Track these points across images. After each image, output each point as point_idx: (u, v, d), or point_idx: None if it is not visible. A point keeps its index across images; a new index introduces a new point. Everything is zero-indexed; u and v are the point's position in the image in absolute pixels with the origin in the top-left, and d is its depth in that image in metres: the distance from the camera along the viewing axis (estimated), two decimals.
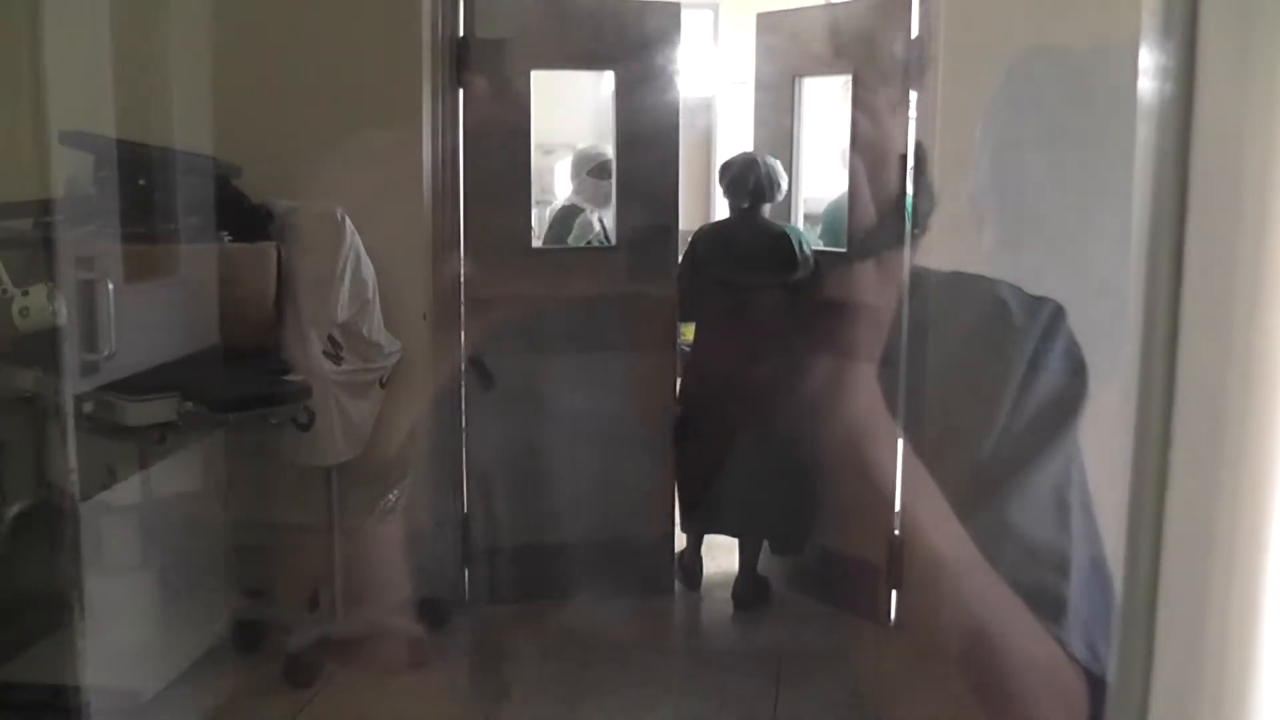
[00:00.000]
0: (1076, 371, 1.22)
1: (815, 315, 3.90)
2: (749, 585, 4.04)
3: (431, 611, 3.68)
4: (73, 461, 2.58)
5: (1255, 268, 0.46)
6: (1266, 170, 0.46)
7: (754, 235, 3.90)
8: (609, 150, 4.19)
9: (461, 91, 3.77)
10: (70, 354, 2.55)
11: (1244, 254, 0.47)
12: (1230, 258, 0.47)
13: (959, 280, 1.52)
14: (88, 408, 2.72)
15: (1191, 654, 0.50)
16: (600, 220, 4.42)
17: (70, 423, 2.58)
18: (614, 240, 4.05)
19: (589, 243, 4.34)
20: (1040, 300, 1.27)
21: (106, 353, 2.62)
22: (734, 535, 4.11)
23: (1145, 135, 0.50)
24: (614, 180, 4.06)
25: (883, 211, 4.06)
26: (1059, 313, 1.25)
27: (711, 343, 3.96)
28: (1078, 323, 1.25)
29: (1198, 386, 0.49)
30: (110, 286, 2.62)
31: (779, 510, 3.93)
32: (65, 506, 2.56)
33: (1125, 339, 0.53)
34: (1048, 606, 1.13)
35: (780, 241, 3.87)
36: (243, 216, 3.35)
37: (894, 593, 3.85)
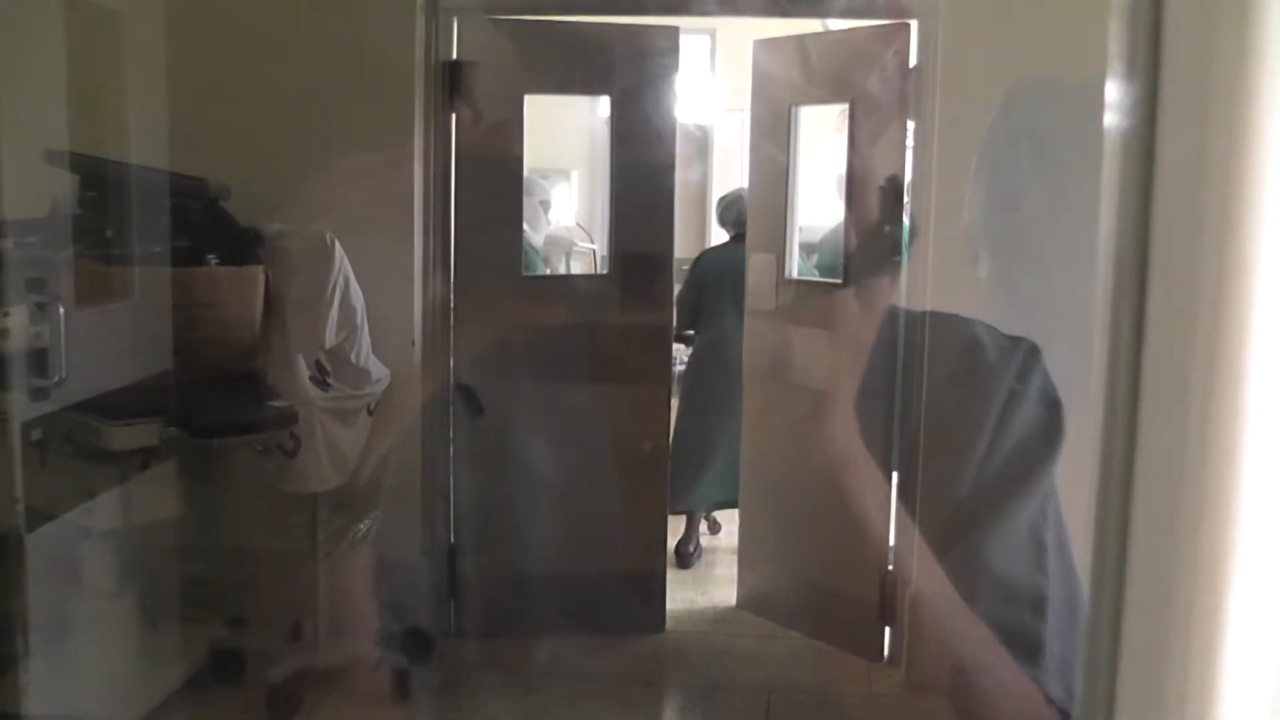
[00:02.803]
0: (1052, 411, 1.22)
1: (800, 344, 3.93)
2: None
3: (416, 643, 3.65)
4: (19, 492, 2.55)
5: (1217, 300, 0.48)
6: (1227, 203, 0.47)
7: (740, 258, 4.48)
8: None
9: (454, 116, 3.77)
10: (21, 379, 2.54)
11: (1206, 286, 0.48)
12: (1193, 289, 0.49)
13: (934, 320, 1.53)
14: (38, 433, 2.69)
15: (1154, 694, 0.51)
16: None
17: (18, 453, 2.55)
18: (607, 268, 4.04)
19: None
20: (1015, 340, 1.28)
21: (56, 378, 2.60)
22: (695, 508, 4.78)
23: (1110, 169, 0.52)
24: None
25: (878, 242, 4.10)
26: (1034, 352, 1.25)
27: (709, 347, 4.65)
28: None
29: (1161, 420, 0.50)
30: (61, 311, 2.60)
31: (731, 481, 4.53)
32: (10, 537, 2.53)
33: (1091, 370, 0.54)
34: (1024, 646, 1.13)
35: None
36: (231, 239, 3.34)
37: (887, 629, 3.82)
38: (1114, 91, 0.51)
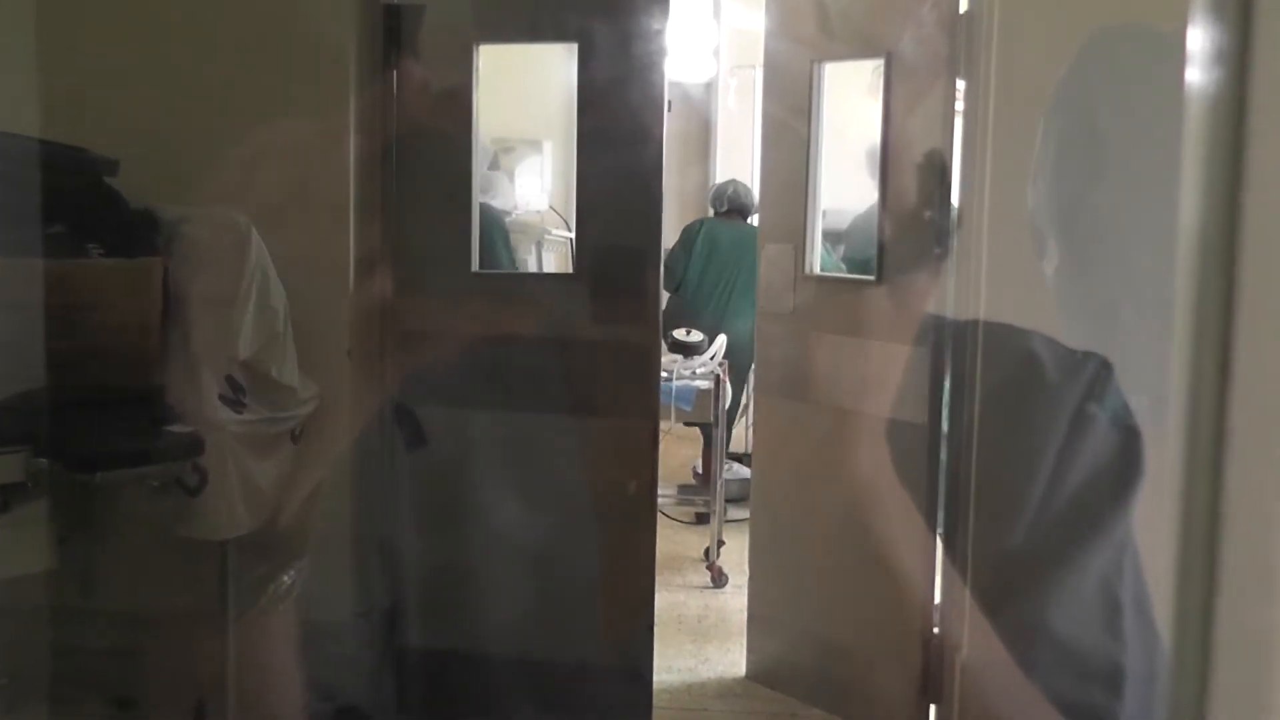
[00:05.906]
0: (1127, 441, 1.23)
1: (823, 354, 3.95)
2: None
3: None
4: None
5: None
6: None
7: (738, 231, 6.30)
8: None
9: (395, 73, 3.73)
10: None
11: None
12: None
13: (982, 331, 1.58)
14: None
15: None
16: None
17: None
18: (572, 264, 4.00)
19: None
20: (1081, 355, 1.29)
21: None
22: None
23: (1194, 128, 0.52)
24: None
25: (918, 230, 4.09)
26: (1104, 369, 1.26)
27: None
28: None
29: (1253, 449, 0.50)
30: None
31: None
32: None
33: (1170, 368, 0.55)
34: None
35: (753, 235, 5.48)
36: (119, 224, 3.33)
37: (932, 707, 3.80)
38: (1198, 39, 0.51)
